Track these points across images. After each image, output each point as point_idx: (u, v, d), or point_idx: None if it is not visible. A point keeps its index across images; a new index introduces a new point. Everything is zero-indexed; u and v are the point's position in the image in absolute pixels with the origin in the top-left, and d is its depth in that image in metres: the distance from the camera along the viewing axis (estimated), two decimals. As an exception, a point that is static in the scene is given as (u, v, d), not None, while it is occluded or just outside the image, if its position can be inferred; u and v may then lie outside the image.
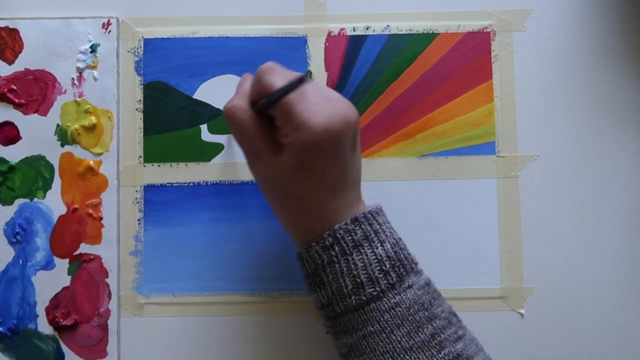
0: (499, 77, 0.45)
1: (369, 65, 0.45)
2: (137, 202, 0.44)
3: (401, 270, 0.35)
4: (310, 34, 0.45)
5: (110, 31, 0.45)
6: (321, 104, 0.34)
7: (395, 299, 0.35)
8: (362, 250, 0.35)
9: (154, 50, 0.45)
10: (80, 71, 0.44)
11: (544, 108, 0.45)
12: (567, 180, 0.45)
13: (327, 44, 0.45)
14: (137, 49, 0.45)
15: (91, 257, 0.44)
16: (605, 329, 0.44)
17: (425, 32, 0.45)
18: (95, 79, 0.44)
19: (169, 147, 0.45)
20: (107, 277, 0.44)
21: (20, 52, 0.44)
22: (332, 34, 0.45)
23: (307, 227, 0.36)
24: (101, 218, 0.44)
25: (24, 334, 0.43)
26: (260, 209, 0.44)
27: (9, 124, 0.44)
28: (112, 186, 0.44)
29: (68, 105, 0.44)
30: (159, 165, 0.45)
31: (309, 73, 0.45)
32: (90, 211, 0.44)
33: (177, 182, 0.44)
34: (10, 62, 0.44)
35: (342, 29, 0.45)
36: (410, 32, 0.45)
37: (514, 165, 0.45)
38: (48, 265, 0.44)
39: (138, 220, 0.44)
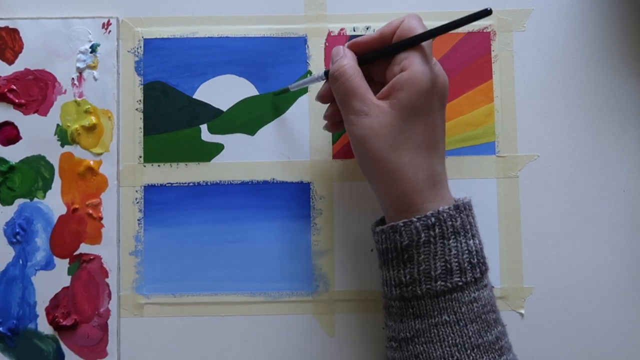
0: (499, 77, 0.45)
1: (369, 65, 0.45)
2: (137, 202, 0.44)
3: (483, 267, 0.36)
4: (310, 34, 0.45)
5: (110, 31, 0.45)
6: (437, 64, 0.37)
7: (475, 293, 0.35)
8: (458, 239, 0.35)
9: (154, 50, 0.45)
10: (80, 71, 0.44)
11: (544, 108, 0.45)
12: (567, 180, 0.45)
13: (327, 44, 0.45)
14: (137, 49, 0.45)
15: (91, 257, 0.44)
16: (605, 329, 0.44)
17: (425, 32, 0.45)
18: (95, 79, 0.44)
19: (169, 147, 0.45)
20: (107, 277, 0.44)
21: (20, 52, 0.44)
22: (332, 34, 0.45)
23: (410, 188, 0.35)
24: (101, 218, 0.44)
25: (24, 334, 0.43)
26: (260, 209, 0.44)
27: (9, 124, 0.44)
28: (112, 186, 0.44)
29: (68, 105, 0.44)
30: (159, 165, 0.45)
31: (309, 73, 0.45)
32: (90, 211, 0.44)
33: (177, 182, 0.44)
34: (10, 62, 0.44)
35: (342, 29, 0.45)
36: (410, 32, 0.45)
37: (514, 165, 0.45)
38: (48, 265, 0.44)
39: (138, 220, 0.44)
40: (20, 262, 0.44)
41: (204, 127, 0.45)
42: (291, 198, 0.45)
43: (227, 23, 0.45)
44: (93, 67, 0.44)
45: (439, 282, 0.34)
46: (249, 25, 0.45)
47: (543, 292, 0.44)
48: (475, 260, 0.35)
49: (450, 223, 0.35)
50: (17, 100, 0.44)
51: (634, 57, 0.45)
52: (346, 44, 0.39)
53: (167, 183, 0.45)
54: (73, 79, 0.44)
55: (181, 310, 0.44)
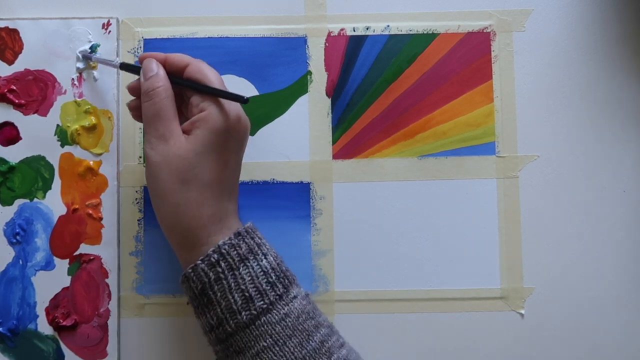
0: (499, 77, 0.45)
1: (369, 65, 0.45)
2: (137, 203, 0.44)
3: (286, 281, 0.36)
4: (310, 34, 0.45)
5: (110, 31, 0.45)
6: (240, 110, 0.38)
7: (284, 309, 0.35)
8: (249, 264, 0.35)
9: (154, 51, 0.45)
10: (80, 71, 0.44)
11: (544, 108, 0.45)
12: (567, 180, 0.45)
13: (327, 44, 0.45)
14: (137, 49, 0.45)
15: (91, 258, 0.44)
16: (606, 329, 0.44)
17: (425, 32, 0.45)
18: (95, 80, 0.44)
19: (169, 148, 0.45)
20: (107, 277, 0.44)
21: (20, 52, 0.44)
22: (332, 34, 0.45)
23: (194, 224, 0.36)
24: (101, 218, 0.44)
25: (24, 335, 0.43)
26: (260, 209, 0.44)
27: (9, 124, 0.44)
28: (112, 186, 0.44)
29: (68, 105, 0.44)
30: (159, 166, 0.45)
31: (309, 73, 0.45)
32: (90, 211, 0.44)
33: (177, 183, 0.44)
34: (10, 62, 0.44)
35: (342, 29, 0.45)
36: (410, 32, 0.45)
37: (514, 165, 0.45)
38: (48, 265, 0.44)
39: (138, 220, 0.44)
40: (20, 262, 0.44)
41: (204, 127, 0.45)
42: (291, 198, 0.45)
43: (227, 23, 0.45)
44: (93, 68, 0.44)
45: (243, 314, 0.34)
46: (249, 25, 0.45)
47: (543, 292, 0.44)
48: (274, 278, 0.35)
49: (234, 252, 0.35)
50: (17, 101, 0.44)
51: (634, 57, 0.45)
52: (154, 59, 0.39)
53: (167, 183, 0.44)
54: (73, 79, 0.44)
55: (181, 310, 0.44)
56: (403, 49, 0.45)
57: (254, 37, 0.45)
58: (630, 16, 0.46)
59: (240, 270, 0.35)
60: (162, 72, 0.38)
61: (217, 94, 0.37)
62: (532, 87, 0.45)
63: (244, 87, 0.45)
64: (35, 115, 0.44)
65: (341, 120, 0.45)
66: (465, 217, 0.44)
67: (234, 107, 0.37)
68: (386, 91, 0.45)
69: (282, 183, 0.45)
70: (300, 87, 0.45)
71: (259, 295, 0.35)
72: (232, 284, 0.35)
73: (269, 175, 0.45)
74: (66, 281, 0.43)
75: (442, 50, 0.45)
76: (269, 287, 0.35)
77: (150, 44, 0.45)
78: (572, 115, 0.45)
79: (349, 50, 0.45)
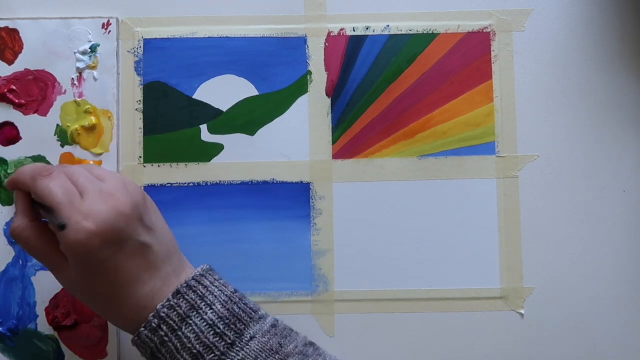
0: (499, 77, 0.45)
1: (369, 65, 0.45)
2: (137, 203, 0.44)
3: (239, 325, 0.35)
4: (310, 34, 0.45)
5: (110, 31, 0.45)
6: (92, 201, 0.34)
7: (239, 355, 0.34)
8: (191, 322, 0.34)
9: (154, 51, 0.45)
10: (80, 71, 0.44)
11: (544, 108, 0.45)
12: (567, 180, 0.45)
13: (327, 44, 0.45)
14: (137, 49, 0.45)
15: (91, 258, 0.44)
16: (606, 329, 0.44)
17: (425, 32, 0.45)
18: (95, 80, 0.44)
19: (169, 148, 0.45)
20: (107, 277, 0.43)
21: (20, 52, 0.44)
22: (332, 34, 0.45)
23: (131, 318, 0.35)
24: (101, 218, 0.44)
25: (24, 334, 0.43)
26: (260, 209, 0.44)
27: (9, 124, 0.44)
28: (112, 186, 0.44)
29: (68, 105, 0.44)
30: (159, 166, 0.45)
31: (309, 73, 0.45)
32: (90, 211, 0.44)
33: (177, 183, 0.44)
34: (10, 62, 0.44)
35: (342, 29, 0.45)
36: (410, 32, 0.45)
37: (514, 165, 0.45)
38: (48, 265, 0.43)
39: (138, 220, 0.44)
40: (20, 262, 0.44)
41: (204, 128, 0.45)
42: (291, 198, 0.45)
43: (227, 23, 0.45)
44: (93, 68, 0.44)
45: None
46: (249, 25, 0.45)
47: (543, 292, 0.44)
48: (222, 327, 0.34)
49: (174, 314, 0.34)
50: (17, 101, 0.44)
51: (634, 57, 0.45)
52: (15, 184, 0.37)
53: (167, 183, 0.45)
54: (73, 79, 0.44)
55: (181, 310, 0.44)
56: (403, 49, 0.45)
57: (254, 37, 0.45)
58: (630, 16, 0.46)
59: (184, 330, 0.34)
60: (19, 206, 0.37)
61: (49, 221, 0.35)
62: (532, 87, 0.45)
63: (244, 87, 0.45)
64: (35, 115, 0.44)
65: (341, 120, 0.45)
66: (465, 217, 0.44)
67: (86, 223, 0.33)
68: (386, 91, 0.45)
69: (282, 183, 0.45)
70: (300, 87, 0.45)
71: (207, 350, 0.34)
72: (178, 345, 0.34)
73: (269, 175, 0.45)
74: (66, 281, 0.43)
75: (442, 50, 0.45)
76: (217, 339, 0.34)
77: (150, 44, 0.45)
78: (572, 115, 0.45)
79: (349, 50, 0.45)
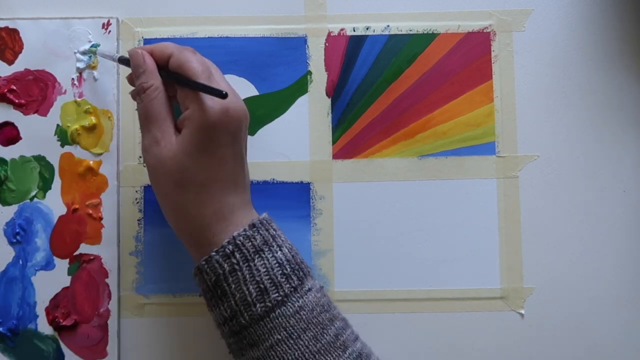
0: (499, 77, 0.45)
1: (369, 65, 0.45)
2: (137, 203, 0.44)
3: (300, 273, 0.35)
4: (310, 34, 0.45)
5: (110, 31, 0.45)
6: (230, 90, 0.36)
7: (299, 302, 0.34)
8: (263, 255, 0.35)
9: (154, 51, 0.45)
10: (80, 71, 0.44)
11: (544, 108, 0.45)
12: (567, 180, 0.45)
13: (327, 44, 0.45)
14: (137, 49, 0.45)
15: (91, 258, 0.44)
16: (605, 329, 0.44)
17: (425, 32, 0.45)
18: (95, 80, 0.44)
19: (169, 147, 0.45)
20: (107, 277, 0.44)
21: (20, 52, 0.44)
22: (332, 34, 0.45)
23: (205, 223, 0.35)
24: (101, 218, 0.44)
25: (24, 334, 0.43)
26: (260, 209, 0.44)
27: (9, 124, 0.44)
28: (112, 186, 0.44)
29: (68, 105, 0.44)
30: (159, 166, 0.45)
31: (309, 73, 0.45)
32: (90, 211, 0.44)
33: (177, 182, 0.44)
34: (10, 62, 0.44)
35: (342, 29, 0.45)
36: (410, 32, 0.45)
37: (514, 165, 0.45)
38: (48, 265, 0.44)
39: (138, 220, 0.44)
40: (20, 262, 0.44)
41: (204, 127, 0.45)
42: (291, 198, 0.45)
43: (227, 23, 0.45)
44: (93, 68, 0.44)
45: (258, 306, 0.34)
46: (249, 25, 0.45)
47: (543, 292, 0.44)
48: (289, 270, 0.35)
49: (249, 244, 0.35)
50: (17, 101, 0.44)
51: (634, 57, 0.45)
52: (143, 51, 0.37)
53: (167, 183, 0.44)
54: (73, 79, 0.44)
55: (181, 310, 0.44)
56: (403, 49, 0.45)
57: (254, 37, 0.45)
58: (630, 16, 0.46)
59: (255, 261, 0.34)
60: (150, 66, 0.37)
61: (196, 88, 0.35)
62: (532, 87, 0.45)
63: (244, 87, 0.45)
64: (35, 115, 0.44)
65: (341, 120, 0.45)
66: (465, 217, 0.44)
67: (218, 100, 0.35)
68: (386, 91, 0.45)
69: (282, 183, 0.45)
70: (300, 87, 0.45)
71: (273, 287, 0.34)
72: (247, 276, 0.34)
73: (269, 175, 0.45)
74: (66, 281, 0.43)
75: (442, 50, 0.45)
76: (283, 279, 0.34)
77: (150, 44, 0.45)
78: (572, 115, 0.45)
79: (349, 50, 0.45)
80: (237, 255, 0.34)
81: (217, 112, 0.35)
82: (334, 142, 0.45)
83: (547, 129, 0.45)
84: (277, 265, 0.35)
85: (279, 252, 0.35)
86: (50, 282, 0.43)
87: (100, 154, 0.44)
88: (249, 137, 0.45)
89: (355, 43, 0.45)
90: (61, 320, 0.43)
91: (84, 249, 0.44)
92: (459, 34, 0.45)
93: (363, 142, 0.45)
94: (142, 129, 0.37)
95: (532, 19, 0.46)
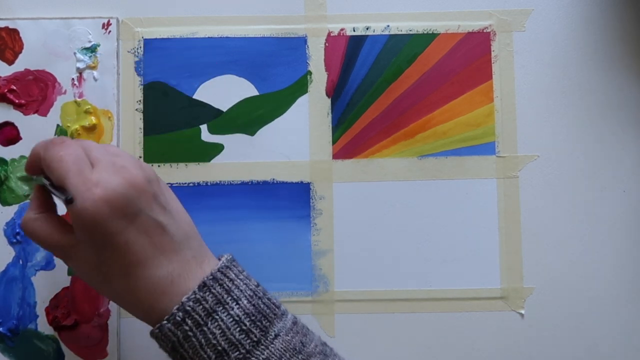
0: (499, 77, 0.45)
1: (369, 65, 0.45)
2: (137, 202, 0.44)
3: (264, 322, 0.33)
4: (310, 34, 0.45)
5: (110, 31, 0.45)
6: (103, 170, 0.32)
7: (264, 354, 0.32)
8: (217, 317, 0.32)
9: (154, 51, 0.45)
10: (80, 71, 0.44)
11: (544, 108, 0.45)
12: (567, 180, 0.45)
13: (327, 44, 0.45)
14: (137, 49, 0.45)
15: (91, 257, 0.44)
16: (606, 329, 0.44)
17: (425, 32, 0.45)
18: (95, 80, 0.44)
19: (169, 148, 0.45)
20: (107, 277, 0.44)
21: (20, 52, 0.44)
22: (332, 34, 0.45)
23: (149, 304, 0.33)
24: (101, 218, 0.44)
25: (24, 334, 0.43)
26: (260, 209, 0.44)
27: (9, 124, 0.44)
28: (112, 186, 0.44)
29: (68, 105, 0.44)
30: (159, 166, 0.45)
31: (309, 73, 0.45)
32: (90, 211, 0.44)
33: (177, 183, 0.44)
34: (10, 62, 0.44)
35: (342, 29, 0.45)
36: (410, 32, 0.45)
37: (514, 165, 0.45)
38: (48, 265, 0.44)
39: (138, 220, 0.44)
40: (20, 262, 0.44)
41: (204, 127, 0.45)
42: (291, 198, 0.45)
43: (227, 23, 0.45)
44: (93, 68, 0.44)
45: None
46: (249, 25, 0.45)
47: (543, 292, 0.44)
48: (248, 324, 0.33)
49: (201, 307, 0.32)
50: (17, 101, 0.44)
51: (634, 57, 0.45)
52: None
53: (167, 183, 0.44)
54: (73, 79, 0.44)
55: (181, 310, 0.44)
56: (403, 49, 0.45)
57: (254, 37, 0.45)
58: (630, 16, 0.46)
59: (209, 325, 0.32)
60: (34, 202, 0.36)
61: (50, 191, 0.33)
62: (532, 87, 0.45)
63: (244, 87, 0.45)
64: (36, 115, 0.44)
65: (341, 120, 0.45)
66: (465, 217, 0.44)
67: (96, 190, 0.32)
68: (386, 91, 0.45)
69: (282, 183, 0.45)
70: (300, 87, 0.45)
71: (233, 347, 0.32)
72: (203, 341, 0.32)
73: (269, 175, 0.45)
74: (66, 281, 0.43)
75: (442, 50, 0.45)
76: (243, 336, 0.32)
77: (150, 44, 0.45)
78: (572, 115, 0.45)
79: (349, 50, 0.45)
80: (189, 322, 0.32)
81: (83, 208, 0.31)
82: (334, 142, 0.45)
83: (547, 129, 0.45)
84: (233, 323, 0.33)
85: (235, 308, 0.33)
86: (51, 282, 0.43)
87: (100, 154, 0.44)
88: (249, 137, 0.45)
89: (355, 43, 0.45)
90: (61, 320, 0.43)
91: (84, 249, 0.44)
92: (459, 34, 0.45)
93: (363, 142, 0.45)
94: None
95: (532, 19, 0.46)
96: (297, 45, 0.45)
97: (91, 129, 0.44)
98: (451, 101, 0.45)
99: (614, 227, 0.44)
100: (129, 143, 0.45)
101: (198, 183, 0.44)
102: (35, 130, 0.44)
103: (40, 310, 0.43)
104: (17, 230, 0.44)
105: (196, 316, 0.32)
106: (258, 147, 0.45)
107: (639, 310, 0.44)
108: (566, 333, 0.44)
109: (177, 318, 0.32)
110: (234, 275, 0.34)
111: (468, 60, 0.45)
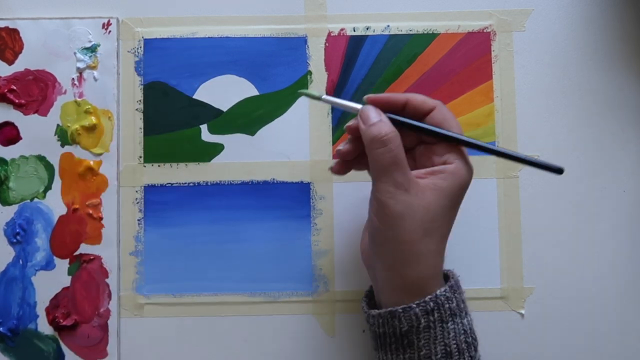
0: (499, 77, 0.45)
1: (369, 66, 0.45)
2: (137, 203, 0.44)
3: (475, 343, 0.35)
4: (310, 34, 0.45)
5: (110, 31, 0.45)
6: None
7: None
8: (455, 320, 0.35)
9: (154, 51, 0.45)
10: (80, 71, 0.44)
11: (544, 108, 0.45)
12: (567, 180, 0.45)
13: (327, 44, 0.45)
14: (137, 49, 0.45)
15: (91, 258, 0.44)
16: (605, 329, 0.44)
17: (425, 32, 0.45)
18: (96, 79, 0.44)
19: (169, 147, 0.45)
20: (107, 277, 0.44)
21: (20, 52, 0.44)
22: (332, 34, 0.45)
23: (428, 273, 0.35)
24: (101, 218, 0.44)
25: (24, 334, 0.43)
26: (260, 209, 0.44)
27: (9, 124, 0.44)
28: (112, 186, 0.44)
29: (68, 105, 0.44)
30: (159, 166, 0.45)
31: (309, 73, 0.45)
32: (90, 211, 0.44)
33: (177, 183, 0.45)
34: (10, 62, 0.44)
35: (342, 29, 0.45)
36: (410, 32, 0.45)
37: (514, 165, 0.45)
38: (48, 265, 0.44)
39: (138, 220, 0.44)
40: (20, 262, 0.44)
41: (204, 127, 0.45)
42: (291, 198, 0.45)
43: (227, 23, 0.45)
44: (93, 68, 0.44)
45: None
46: (249, 25, 0.45)
47: (543, 292, 0.44)
48: (470, 338, 0.35)
49: (447, 306, 0.35)
50: (17, 101, 0.44)
51: (634, 57, 0.45)
52: (369, 101, 0.37)
53: (167, 183, 0.45)
54: (73, 79, 0.44)
55: (181, 310, 0.44)
56: (403, 49, 0.45)
57: (254, 37, 0.45)
58: (630, 16, 0.46)
59: (449, 324, 0.34)
60: (385, 118, 0.36)
61: (525, 162, 0.35)
62: (532, 87, 0.45)
63: (244, 87, 0.45)
64: (36, 115, 0.44)
65: (341, 120, 0.45)
66: (465, 217, 0.44)
67: (470, 164, 0.36)
68: (386, 91, 0.45)
69: (282, 183, 0.45)
70: (300, 87, 0.45)
71: (457, 353, 0.34)
72: (438, 336, 0.34)
73: (269, 175, 0.45)
74: (66, 281, 0.43)
75: (442, 50, 0.45)
76: (466, 347, 0.34)
77: (150, 44, 0.45)
78: (572, 115, 0.45)
79: (349, 50, 0.45)
80: (436, 314, 0.34)
81: (472, 173, 0.36)
82: (334, 142, 0.45)
83: (547, 129, 0.45)
84: (463, 332, 0.35)
85: (466, 319, 0.35)
86: (51, 282, 0.43)
87: (100, 154, 0.44)
88: (249, 137, 0.45)
89: (355, 43, 0.45)
90: (61, 320, 0.43)
91: (84, 249, 0.44)
92: (459, 34, 0.45)
93: (363, 142, 0.45)
94: (382, 174, 0.35)
95: (532, 19, 0.46)
96: (297, 45, 0.45)
97: (91, 129, 0.44)
98: (451, 101, 0.45)
99: (614, 227, 0.44)
100: (129, 143, 0.45)
101: (198, 183, 0.45)
102: (35, 130, 0.44)
103: (40, 310, 0.43)
104: (17, 230, 0.44)
105: (443, 311, 0.34)
106: (258, 147, 0.45)
107: (639, 310, 0.44)
108: (566, 333, 0.44)
109: (428, 307, 0.34)
110: (462, 291, 0.37)
111: (468, 60, 0.45)
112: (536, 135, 0.45)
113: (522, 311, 0.44)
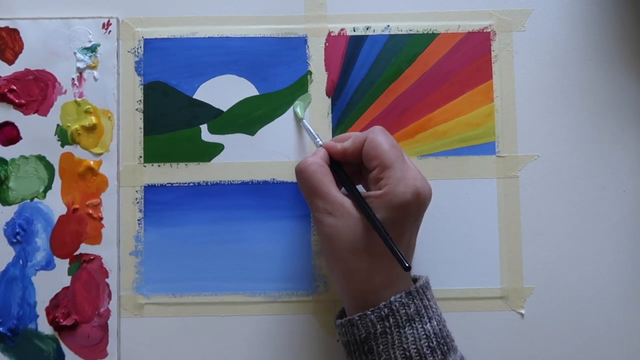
0: (499, 77, 0.45)
1: (369, 65, 0.45)
2: (137, 202, 0.44)
3: (445, 347, 0.36)
4: (310, 34, 0.45)
5: (110, 31, 0.45)
6: (416, 171, 0.37)
7: None
8: (414, 325, 0.36)
9: (154, 50, 0.45)
10: (80, 71, 0.44)
11: (544, 108, 0.45)
12: (567, 180, 0.45)
13: (327, 44, 0.45)
14: (137, 49, 0.45)
15: (91, 257, 0.44)
16: (606, 329, 0.44)
17: (425, 32, 0.45)
18: (96, 79, 0.44)
19: (169, 147, 0.45)
20: (107, 277, 0.44)
21: (21, 52, 0.44)
22: (332, 34, 0.45)
23: (365, 289, 0.36)
24: (101, 218, 0.44)
25: (24, 334, 0.43)
26: (260, 209, 0.44)
27: (9, 124, 0.44)
28: (112, 186, 0.44)
29: (68, 105, 0.44)
30: (159, 166, 0.45)
31: (310, 73, 0.45)
32: (90, 211, 0.44)
33: (177, 182, 0.45)
34: (10, 62, 0.44)
35: (342, 29, 0.45)
36: (410, 32, 0.45)
37: (514, 165, 0.45)
38: (48, 265, 0.44)
39: (138, 220, 0.44)
40: (21, 262, 0.44)
41: (204, 127, 0.45)
42: (291, 198, 0.45)
43: (227, 23, 0.45)
44: (93, 67, 0.44)
45: None
46: (249, 25, 0.45)
47: (543, 292, 0.44)
48: (434, 343, 0.36)
49: (403, 311, 0.36)
50: (17, 101, 0.44)
51: (634, 57, 0.45)
52: (325, 146, 0.40)
53: (167, 183, 0.45)
54: (73, 79, 0.44)
55: (181, 310, 0.44)
56: (403, 49, 0.45)
57: (254, 37, 0.45)
58: (630, 16, 0.46)
59: (406, 329, 0.35)
60: (320, 151, 0.39)
61: (386, 244, 0.35)
62: (532, 87, 0.45)
63: (244, 87, 0.45)
64: (36, 115, 0.44)
65: (341, 120, 0.45)
66: (465, 217, 0.44)
67: (411, 184, 0.36)
68: (386, 91, 0.45)
69: (282, 183, 0.45)
70: (300, 87, 0.45)
71: (418, 357, 0.35)
72: (396, 341, 0.35)
73: (269, 175, 0.45)
74: (66, 281, 0.43)
75: (442, 50, 0.45)
76: (428, 352, 0.35)
77: (150, 44, 0.45)
78: (572, 115, 0.45)
79: (349, 50, 0.45)
80: (391, 320, 0.35)
81: (408, 196, 0.36)
82: (334, 142, 0.45)
83: (547, 129, 0.45)
84: (424, 337, 0.35)
85: (428, 325, 0.36)
86: (51, 282, 0.43)
87: (100, 154, 0.44)
88: (249, 137, 0.45)
89: (355, 43, 0.45)
90: (61, 320, 0.43)
91: (84, 248, 0.44)
92: (459, 34, 0.45)
93: (363, 142, 0.45)
94: (309, 203, 0.38)
95: (532, 19, 0.46)
96: (297, 45, 0.45)
97: (91, 129, 0.44)
98: (451, 101, 0.45)
99: (614, 227, 0.44)
100: (129, 143, 0.45)
101: (198, 183, 0.45)
102: (35, 130, 0.44)
103: (40, 310, 0.43)
104: (17, 230, 0.44)
105: (398, 317, 0.35)
106: (258, 147, 0.45)
107: (639, 310, 0.44)
108: (566, 333, 0.44)
109: (382, 313, 0.35)
110: (430, 296, 0.38)
111: (468, 60, 0.45)
112: (536, 135, 0.45)
113: (522, 311, 0.44)
